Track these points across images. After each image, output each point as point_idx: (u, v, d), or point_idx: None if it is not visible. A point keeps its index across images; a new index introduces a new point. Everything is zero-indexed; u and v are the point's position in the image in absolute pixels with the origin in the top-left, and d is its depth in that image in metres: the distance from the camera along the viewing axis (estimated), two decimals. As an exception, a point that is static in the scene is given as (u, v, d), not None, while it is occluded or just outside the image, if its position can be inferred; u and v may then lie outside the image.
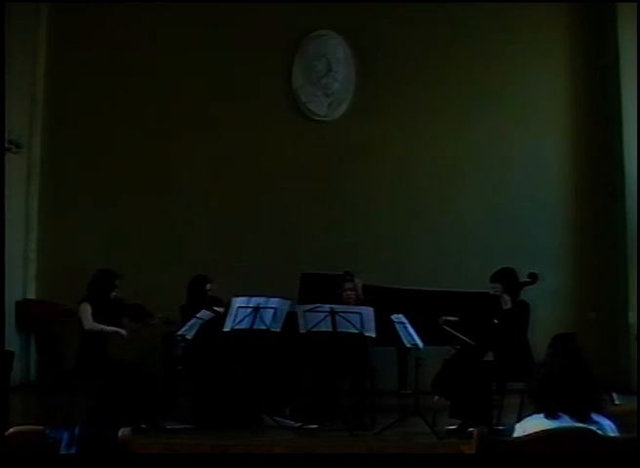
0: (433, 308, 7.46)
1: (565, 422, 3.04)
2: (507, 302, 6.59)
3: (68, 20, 9.77)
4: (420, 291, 7.95)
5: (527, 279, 6.82)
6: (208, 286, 7.44)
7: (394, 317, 6.54)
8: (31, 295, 9.45)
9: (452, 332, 6.83)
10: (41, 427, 3.03)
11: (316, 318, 6.51)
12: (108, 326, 6.75)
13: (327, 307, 6.51)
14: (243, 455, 5.53)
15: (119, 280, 6.88)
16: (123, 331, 6.79)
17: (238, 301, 6.76)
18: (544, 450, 2.90)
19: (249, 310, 6.69)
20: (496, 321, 6.60)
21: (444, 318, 6.93)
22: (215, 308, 7.03)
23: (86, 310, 6.69)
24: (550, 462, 2.89)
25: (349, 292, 7.09)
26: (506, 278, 6.63)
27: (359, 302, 7.00)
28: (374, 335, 6.47)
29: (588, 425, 3.03)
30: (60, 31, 9.74)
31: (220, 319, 6.84)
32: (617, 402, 7.33)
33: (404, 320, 6.51)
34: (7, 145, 8.61)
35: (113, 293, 6.84)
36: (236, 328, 6.70)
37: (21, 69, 9.13)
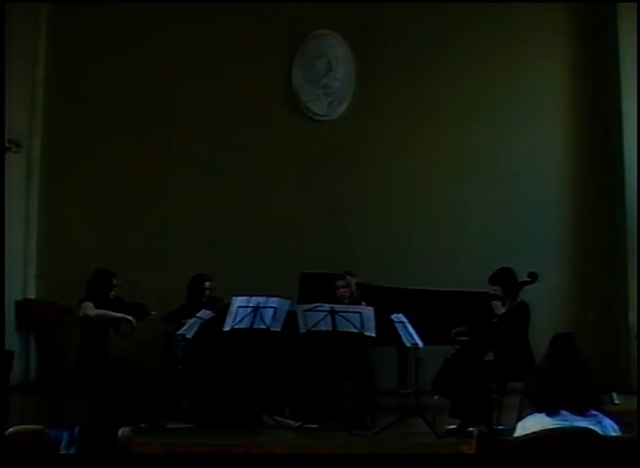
0: (433, 308, 7.48)
1: (565, 417, 3.05)
2: (499, 307, 6.57)
3: (68, 20, 9.77)
4: (419, 290, 7.94)
5: (527, 278, 6.80)
6: (206, 284, 7.44)
7: (394, 316, 6.53)
8: (31, 295, 9.45)
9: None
10: (41, 427, 3.03)
11: (316, 317, 6.51)
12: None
13: (327, 307, 6.51)
14: (243, 455, 5.52)
15: (116, 279, 6.89)
16: (130, 318, 6.75)
17: (238, 301, 6.77)
18: (544, 450, 2.90)
19: (249, 310, 6.69)
20: (495, 320, 6.60)
21: (456, 330, 6.89)
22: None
23: (88, 306, 6.69)
24: (550, 462, 2.89)
25: (342, 290, 7.08)
26: (505, 279, 6.61)
27: (354, 300, 7.00)
28: (374, 335, 6.47)
29: (588, 418, 3.04)
30: (59, 31, 9.74)
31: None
32: (617, 401, 7.33)
33: (404, 319, 6.50)
34: (7, 145, 8.61)
35: (112, 292, 6.84)
36: (236, 327, 6.70)
37: (21, 69, 9.12)
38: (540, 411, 3.11)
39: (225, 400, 6.78)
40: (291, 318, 6.70)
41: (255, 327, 6.69)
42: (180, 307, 7.32)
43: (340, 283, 7.12)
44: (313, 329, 6.54)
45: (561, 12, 9.73)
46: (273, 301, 6.75)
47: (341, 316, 6.46)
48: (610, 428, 3.07)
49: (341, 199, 9.61)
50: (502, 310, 6.55)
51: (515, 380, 6.24)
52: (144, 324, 6.92)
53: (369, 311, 6.47)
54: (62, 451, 3.01)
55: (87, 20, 9.74)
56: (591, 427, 3.00)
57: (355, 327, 6.45)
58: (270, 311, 6.70)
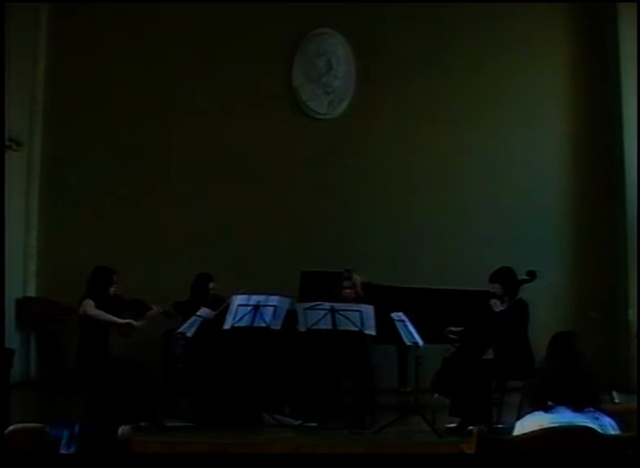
0: (433, 306, 7.48)
1: (563, 414, 3.06)
2: (497, 306, 6.57)
3: (68, 21, 9.75)
4: (419, 289, 7.94)
5: (525, 277, 6.81)
6: (211, 284, 7.45)
7: (394, 315, 6.53)
8: (31, 293, 9.44)
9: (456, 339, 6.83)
10: (41, 425, 3.03)
11: (316, 316, 6.50)
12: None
13: (327, 305, 6.50)
14: (243, 454, 5.53)
15: (116, 276, 6.88)
16: (130, 321, 6.75)
17: (238, 299, 6.76)
18: (544, 449, 2.90)
19: (249, 308, 6.69)
20: (493, 318, 6.60)
21: (449, 328, 6.90)
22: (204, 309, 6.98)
23: (89, 304, 6.68)
24: (550, 461, 2.90)
25: (348, 292, 7.07)
26: (505, 278, 6.62)
27: (359, 299, 6.99)
28: (374, 333, 6.47)
29: (586, 415, 3.05)
30: (59, 31, 9.73)
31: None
32: (617, 400, 7.32)
33: (404, 318, 6.50)
34: (7, 143, 8.62)
35: (112, 289, 6.83)
36: (236, 326, 6.70)
37: (22, 68, 9.11)
38: (539, 410, 3.12)
39: (225, 398, 6.79)
40: (291, 316, 6.69)
41: (255, 325, 6.69)
42: (185, 301, 7.34)
43: (345, 283, 7.09)
44: (313, 327, 6.54)
45: (561, 12, 9.72)
46: (273, 300, 6.75)
47: (342, 314, 6.46)
48: (609, 426, 3.08)
49: (342, 198, 9.60)
50: (501, 308, 6.56)
51: (515, 379, 6.26)
52: (145, 319, 6.91)
53: (369, 309, 6.46)
54: (62, 450, 3.01)
55: (87, 20, 9.73)
56: (589, 424, 3.01)
57: (355, 325, 6.45)
58: (270, 309, 6.70)
